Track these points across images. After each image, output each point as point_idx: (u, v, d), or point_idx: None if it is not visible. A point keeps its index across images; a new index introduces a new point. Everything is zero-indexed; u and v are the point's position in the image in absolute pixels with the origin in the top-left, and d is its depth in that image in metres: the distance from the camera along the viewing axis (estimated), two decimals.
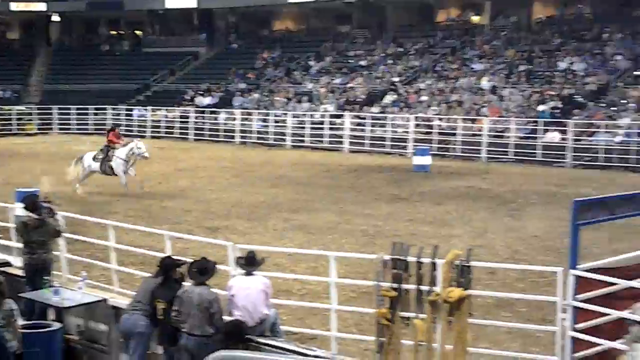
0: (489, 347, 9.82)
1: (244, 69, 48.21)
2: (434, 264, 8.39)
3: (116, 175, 23.29)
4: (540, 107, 33.45)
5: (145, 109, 44.40)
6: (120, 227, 12.94)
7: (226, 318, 9.16)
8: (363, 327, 10.55)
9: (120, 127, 43.06)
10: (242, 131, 39.69)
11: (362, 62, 44.66)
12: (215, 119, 41.60)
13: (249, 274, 9.42)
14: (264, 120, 39.80)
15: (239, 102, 43.33)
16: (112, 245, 11.85)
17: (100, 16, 56.80)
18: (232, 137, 39.71)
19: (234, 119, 40.46)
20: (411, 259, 8.42)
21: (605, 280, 8.29)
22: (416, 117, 35.15)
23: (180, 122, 42.18)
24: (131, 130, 43.23)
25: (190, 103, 44.78)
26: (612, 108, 32.02)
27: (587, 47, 38.20)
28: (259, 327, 9.21)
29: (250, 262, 9.48)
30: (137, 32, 57.06)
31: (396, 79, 41.08)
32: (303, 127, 38.00)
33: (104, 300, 10.52)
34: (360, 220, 18.89)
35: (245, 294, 9.24)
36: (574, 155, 30.06)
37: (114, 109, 44.49)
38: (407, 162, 30.46)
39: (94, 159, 23.60)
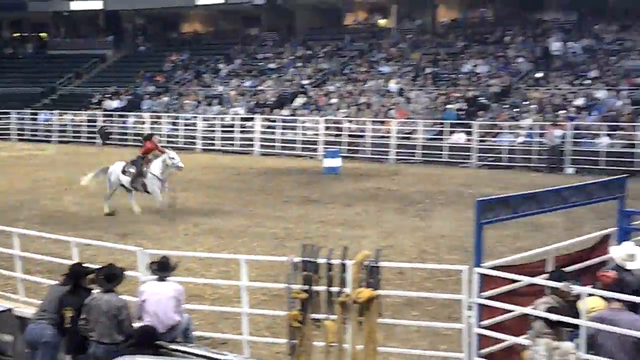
0: (399, 345, 10.01)
1: (153, 71, 47.66)
2: (343, 265, 8.51)
3: (148, 193, 20.55)
4: (450, 106, 34.16)
5: (52, 113, 43.44)
6: (25, 234, 12.63)
7: (137, 324, 9.08)
8: (275, 330, 10.61)
9: (25, 132, 42.61)
10: None
11: (272, 65, 44.71)
12: (124, 122, 41.01)
13: (161, 279, 9.35)
14: (174, 124, 39.44)
15: (148, 106, 42.84)
16: (17, 254, 11.57)
17: (3, 18, 55.26)
18: (141, 140, 39.17)
19: (143, 123, 39.96)
20: (321, 260, 8.52)
21: (508, 278, 8.56)
22: (326, 120, 35.38)
23: (88, 126, 41.41)
24: (36, 135, 42.19)
25: (97, 107, 44.02)
26: (514, 109, 32.92)
27: (490, 49, 39.18)
28: (170, 333, 9.15)
29: (162, 268, 9.41)
30: (42, 35, 55.72)
31: (306, 82, 41.28)
32: (213, 131, 37.81)
33: (9, 310, 10.27)
34: (271, 223, 18.92)
35: (156, 299, 9.17)
36: (479, 156, 30.80)
37: (18, 113, 43.36)
38: (317, 164, 30.65)
39: (125, 172, 20.71)
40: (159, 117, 40.06)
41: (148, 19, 54.07)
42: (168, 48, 50.67)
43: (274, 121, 37.05)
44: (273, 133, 36.32)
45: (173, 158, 20.62)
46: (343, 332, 8.42)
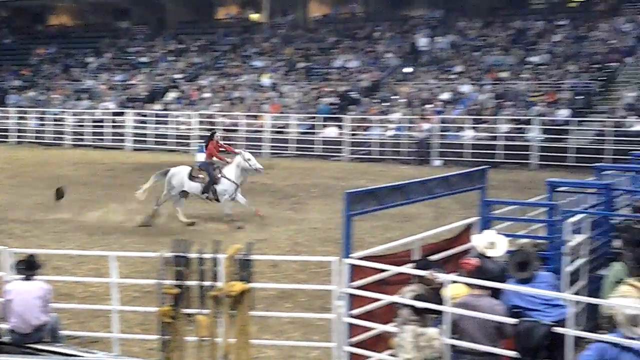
0: (272, 337, 10.14)
1: (18, 65, 46.04)
2: (215, 260, 8.54)
3: (218, 201, 18.52)
4: (322, 101, 34.56)
5: None
6: None
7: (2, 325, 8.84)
8: (147, 326, 10.51)
9: None
10: (18, 130, 38.02)
11: (143, 59, 44.01)
12: None
13: (27, 278, 9.14)
14: (41, 119, 38.27)
15: (14, 100, 41.36)
16: None
17: None
18: (7, 136, 37.91)
19: (8, 118, 38.60)
20: (193, 255, 8.53)
21: (376, 267, 8.81)
22: (199, 114, 35.15)
23: None
24: None
25: None
26: (384, 103, 33.67)
27: (360, 45, 39.89)
28: (37, 334, 8.96)
29: (29, 267, 9.20)
30: None
31: (178, 76, 40.87)
32: (83, 126, 36.92)
33: None
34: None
35: (21, 299, 8.96)
36: (351, 149, 31.35)
37: None
38: (191, 159, 30.37)
39: (192, 177, 18.58)
40: (25, 112, 38.77)
41: (13, 11, 52.13)
42: (34, 41, 49.04)
43: (145, 116, 36.51)
44: (145, 128, 35.82)
45: (249, 159, 18.38)
46: (215, 326, 8.45)
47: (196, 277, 8.51)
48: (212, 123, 34.53)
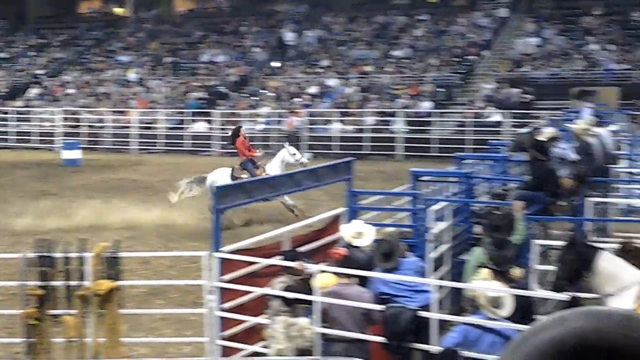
0: (144, 335, 10.05)
1: None
2: (82, 258, 8.39)
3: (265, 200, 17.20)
4: (191, 95, 34.26)
5: None
6: None
7: None
8: (13, 329, 10.21)
9: None
10: None
11: (3, 55, 42.38)
12: None
13: None
14: None
15: None
16: None
17: None
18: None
19: None
20: (57, 255, 8.34)
21: (246, 260, 8.87)
22: (64, 111, 34.19)
23: None
24: None
25: None
26: (253, 98, 33.74)
27: (227, 39, 39.78)
28: None
29: None
30: None
31: (40, 72, 39.58)
32: None
33: None
34: (7, 220, 18.07)
35: None
36: (221, 144, 31.24)
37: None
38: (55, 156, 29.57)
39: (234, 178, 17.08)
40: None
41: None
42: None
43: (6, 113, 35.21)
44: (6, 125, 34.55)
45: (294, 154, 17.50)
46: (84, 326, 8.31)
47: (62, 276, 8.33)
48: (77, 120, 33.70)
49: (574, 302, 7.57)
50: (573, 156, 12.12)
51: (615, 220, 13.73)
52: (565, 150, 12.23)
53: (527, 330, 6.32)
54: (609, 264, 8.12)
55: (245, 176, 17.15)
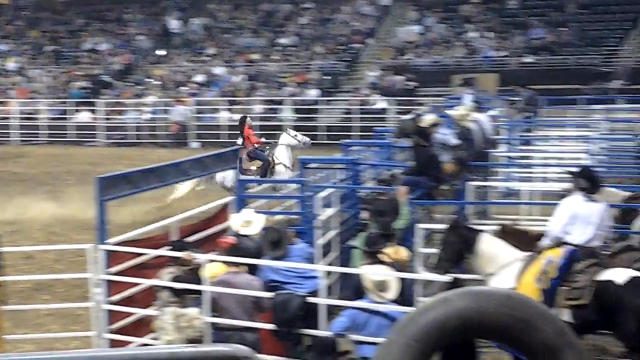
0: (30, 331, 9.83)
1: None
2: None
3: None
4: (74, 85, 33.44)
5: None
6: None
7: None
8: None
9: None
10: None
11: None
12: None
13: None
14: None
15: None
16: None
17: None
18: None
19: None
20: None
21: (133, 252, 8.79)
22: None
23: None
24: None
25: None
26: (138, 86, 33.20)
27: (110, 27, 38.94)
28: None
29: None
30: None
31: None
32: None
33: None
34: None
35: None
36: (106, 134, 30.66)
37: None
38: None
39: (243, 171, 15.57)
40: None
41: None
42: None
43: None
44: None
45: (295, 135, 16.58)
46: None
47: None
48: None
49: (456, 283, 7.85)
50: (454, 141, 12.50)
51: (495, 202, 14.26)
52: (446, 135, 12.60)
53: (412, 311, 6.55)
54: (489, 245, 8.47)
55: (254, 167, 16.55)
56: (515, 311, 6.10)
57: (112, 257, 8.69)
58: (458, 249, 8.56)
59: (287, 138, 17.08)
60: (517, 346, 6.41)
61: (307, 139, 17.40)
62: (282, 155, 16.79)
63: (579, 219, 8.06)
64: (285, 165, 16.51)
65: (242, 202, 10.71)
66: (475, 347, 7.87)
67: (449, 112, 15.08)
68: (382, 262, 8.38)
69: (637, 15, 32.26)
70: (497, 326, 6.12)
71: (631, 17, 32.23)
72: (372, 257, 8.54)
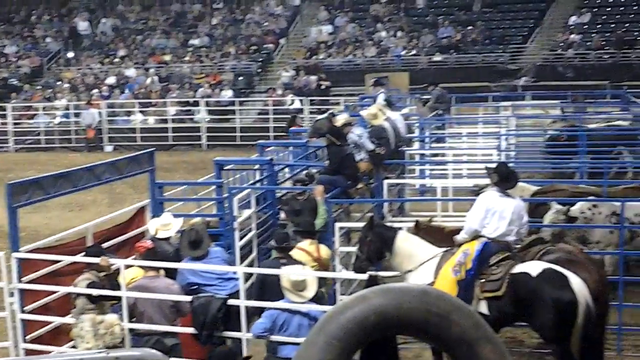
0: None
1: None
2: None
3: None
4: None
5: None
6: None
7: None
8: None
9: None
10: None
11: None
12: None
13: None
14: None
15: None
16: None
17: None
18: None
19: None
20: None
21: (48, 259, 8.60)
22: None
23: None
24: None
25: None
26: (48, 90, 32.45)
27: (16, 30, 37.94)
28: None
29: None
30: None
31: None
32: None
33: None
34: None
35: None
36: (15, 139, 29.87)
37: None
38: None
39: None
40: None
41: None
42: None
43: None
44: None
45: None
46: None
47: None
48: None
49: (374, 281, 7.96)
50: (368, 140, 12.64)
51: (411, 200, 14.49)
52: (360, 134, 12.73)
53: (331, 310, 6.61)
54: (406, 243, 8.62)
55: None
56: (432, 306, 6.25)
57: (26, 265, 8.49)
58: (376, 248, 8.67)
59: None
60: (435, 340, 6.57)
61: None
62: None
63: (494, 214, 8.25)
64: None
65: (158, 206, 10.60)
66: (395, 343, 8.00)
67: (361, 112, 15.22)
68: (297, 261, 8.45)
69: (541, 13, 33.25)
70: (415, 321, 6.26)
71: (535, 16, 33.20)
72: (283, 253, 8.63)
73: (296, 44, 34.79)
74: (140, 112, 30.03)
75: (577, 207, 10.70)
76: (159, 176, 11.12)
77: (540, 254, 8.24)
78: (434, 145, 18.55)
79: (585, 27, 31.44)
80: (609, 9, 32.50)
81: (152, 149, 10.86)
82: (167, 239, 9.33)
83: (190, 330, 8.15)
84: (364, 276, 8.37)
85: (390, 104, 16.96)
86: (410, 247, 8.59)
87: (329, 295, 8.93)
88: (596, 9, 32.45)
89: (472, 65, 30.74)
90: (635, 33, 30.33)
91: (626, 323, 9.57)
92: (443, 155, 17.76)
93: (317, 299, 7.97)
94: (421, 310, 6.23)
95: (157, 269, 8.32)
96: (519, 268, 7.90)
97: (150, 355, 6.78)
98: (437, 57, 31.29)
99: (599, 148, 15.90)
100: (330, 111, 17.66)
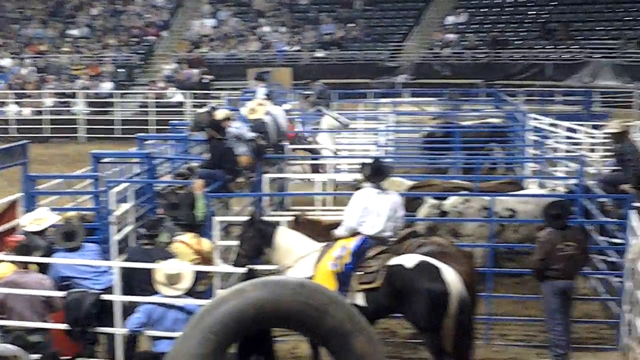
0: None
1: None
2: None
3: None
4: None
5: None
6: None
7: None
8: None
9: None
10: None
11: None
12: None
13: None
14: None
15: None
16: None
17: None
18: None
19: None
20: None
21: None
22: None
23: None
24: None
25: None
26: None
27: None
28: None
29: None
30: None
31: None
32: None
33: None
34: None
35: None
36: None
37: None
38: None
39: None
40: None
41: None
42: None
43: None
44: None
45: (338, 117, 15.93)
46: None
47: None
48: None
49: (252, 275, 8.00)
50: (248, 134, 12.65)
51: (291, 194, 14.60)
52: (241, 128, 12.73)
53: (208, 304, 6.62)
54: (286, 238, 8.70)
55: None
56: (309, 299, 6.35)
57: None
58: (256, 244, 8.71)
59: (330, 121, 16.69)
60: (312, 333, 6.68)
61: (348, 120, 16.97)
62: (324, 139, 16.39)
63: (371, 211, 8.41)
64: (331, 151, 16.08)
65: (31, 199, 10.32)
66: (270, 336, 8.07)
67: (244, 105, 15.22)
68: (166, 251, 8.45)
69: (420, 13, 34.06)
70: (291, 314, 6.35)
71: (414, 15, 33.99)
72: (151, 240, 8.62)
73: (178, 37, 34.42)
74: (16, 103, 29.05)
75: (450, 202, 11.04)
76: (34, 169, 10.83)
77: (414, 246, 8.47)
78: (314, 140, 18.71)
79: (461, 27, 32.40)
80: (485, 9, 33.61)
81: (26, 141, 10.56)
82: (40, 233, 9.07)
83: (63, 326, 7.95)
84: (243, 270, 8.40)
85: (271, 98, 17.00)
86: (289, 242, 8.66)
87: (206, 289, 8.91)
88: (472, 10, 33.51)
89: (353, 62, 31.20)
90: (508, 34, 31.48)
91: (495, 313, 9.93)
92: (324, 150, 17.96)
93: (194, 293, 7.95)
94: (298, 303, 6.32)
95: (28, 264, 8.09)
96: (394, 261, 8.09)
97: (6, 351, 6.62)
98: (320, 54, 31.60)
99: (473, 145, 16.43)
100: (211, 105, 17.56)
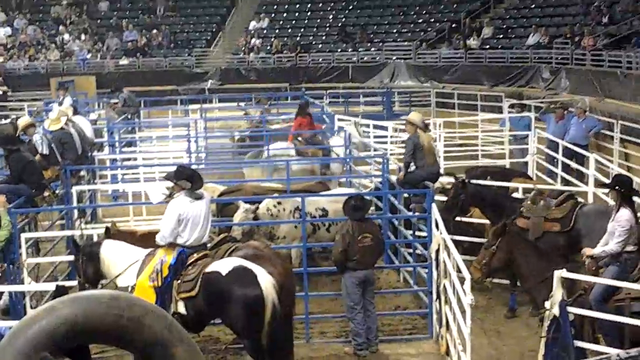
0: None
1: None
2: None
3: None
4: None
5: None
6: None
7: None
8: None
9: None
10: None
11: None
12: None
13: None
14: None
15: None
16: None
17: None
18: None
19: None
20: None
21: None
22: None
23: None
24: None
25: None
26: None
27: None
28: None
29: None
30: None
31: None
32: None
33: None
34: None
35: None
36: None
37: None
38: None
39: None
40: None
41: None
42: None
43: None
44: None
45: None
46: None
47: None
48: None
49: (62, 291, 7.77)
50: (48, 147, 12.23)
51: (103, 205, 14.25)
52: (42, 140, 12.28)
53: (18, 324, 6.33)
54: (110, 250, 8.52)
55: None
56: (123, 311, 6.19)
57: None
58: (90, 267, 8.51)
59: (355, 131, 16.66)
60: (129, 345, 6.52)
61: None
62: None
63: (188, 222, 8.33)
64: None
65: None
66: (88, 352, 7.83)
67: (45, 117, 14.70)
68: None
69: (223, 18, 34.18)
70: (106, 328, 6.16)
71: (217, 21, 34.07)
72: None
73: None
74: None
75: (263, 205, 11.14)
76: None
77: (229, 251, 8.49)
78: (124, 149, 18.34)
79: (264, 31, 32.75)
80: (285, 14, 34.12)
81: None
82: None
83: None
84: (51, 286, 8.14)
85: (75, 109, 16.50)
86: (114, 254, 8.51)
87: (18, 309, 8.55)
88: (273, 14, 33.95)
89: (159, 68, 30.79)
90: (310, 38, 32.14)
91: (313, 312, 10.13)
92: (135, 159, 17.65)
93: None
94: (111, 316, 6.15)
95: None
96: (211, 267, 8.08)
97: None
98: (124, 61, 30.96)
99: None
100: (12, 117, 16.83)
